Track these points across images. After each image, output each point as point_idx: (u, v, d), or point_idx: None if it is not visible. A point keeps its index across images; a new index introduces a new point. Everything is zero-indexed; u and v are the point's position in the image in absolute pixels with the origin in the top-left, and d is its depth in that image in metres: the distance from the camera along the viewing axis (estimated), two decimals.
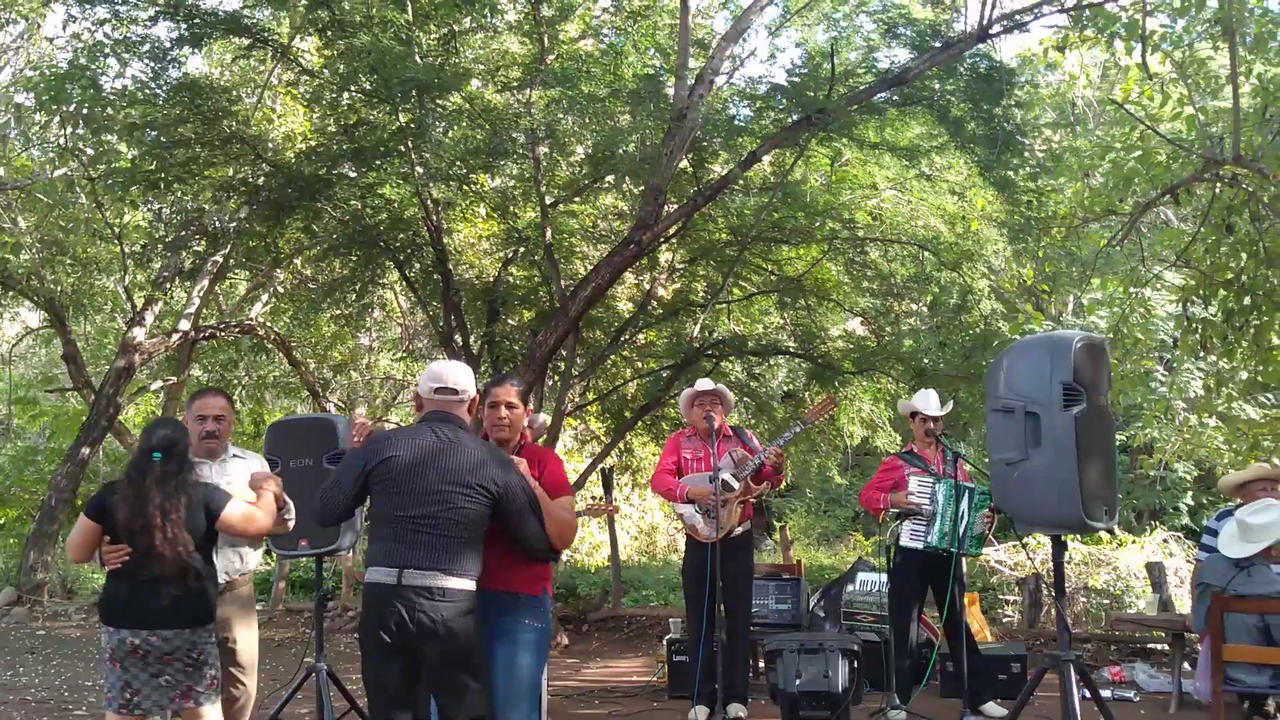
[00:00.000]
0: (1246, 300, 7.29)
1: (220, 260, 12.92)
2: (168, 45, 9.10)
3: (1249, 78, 7.29)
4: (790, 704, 5.84)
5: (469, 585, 3.77)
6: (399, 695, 3.79)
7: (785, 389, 13.61)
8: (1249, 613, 5.42)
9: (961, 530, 6.21)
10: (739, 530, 6.47)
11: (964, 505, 6.20)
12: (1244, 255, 7.37)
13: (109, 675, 4.17)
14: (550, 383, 11.31)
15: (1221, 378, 8.25)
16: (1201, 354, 8.25)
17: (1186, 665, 6.79)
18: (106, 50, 9.55)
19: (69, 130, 11.70)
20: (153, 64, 9.28)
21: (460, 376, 4.07)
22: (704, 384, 6.72)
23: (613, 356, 11.33)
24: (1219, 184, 6.99)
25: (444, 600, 3.69)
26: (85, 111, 9.85)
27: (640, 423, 11.97)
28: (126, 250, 13.36)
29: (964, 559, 6.56)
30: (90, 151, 11.88)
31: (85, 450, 13.66)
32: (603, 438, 12.59)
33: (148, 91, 9.29)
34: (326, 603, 6.74)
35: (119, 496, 4.11)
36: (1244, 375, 8.11)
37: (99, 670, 9.31)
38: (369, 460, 3.89)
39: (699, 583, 6.40)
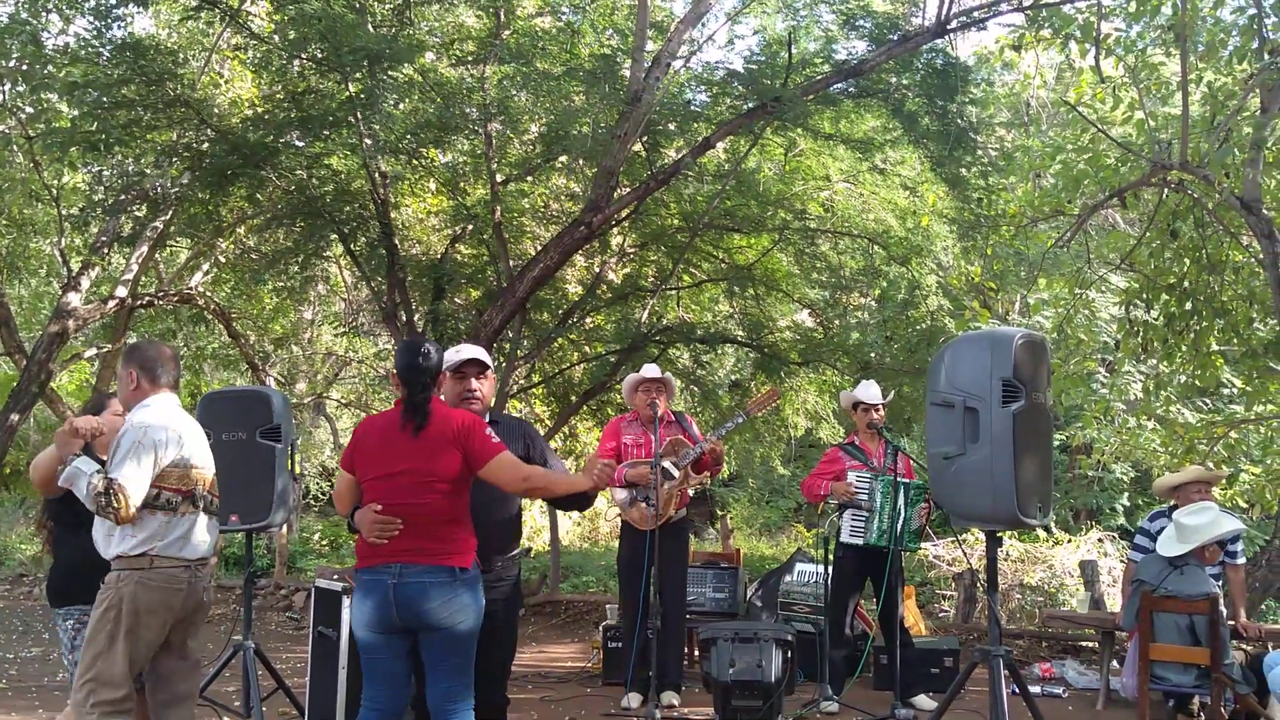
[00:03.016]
0: (1188, 305, 7.40)
1: (160, 227, 12.60)
2: (113, 3, 8.85)
3: (1199, 85, 7.37)
4: (723, 693, 5.82)
5: None
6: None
7: (732, 378, 13.61)
8: (1177, 612, 5.50)
9: (899, 526, 6.26)
10: (675, 516, 6.44)
11: (900, 501, 6.25)
12: (1187, 261, 7.48)
13: None
14: (495, 363, 11.17)
15: (1161, 381, 8.36)
16: (1142, 356, 8.35)
17: (1115, 663, 6.88)
18: (49, 5, 9.28)
19: (7, 87, 11.34)
20: (97, 21, 9.01)
21: None
22: (650, 370, 6.66)
23: (560, 339, 11.24)
24: (1166, 189, 7.07)
25: None
26: (24, 68, 9.56)
27: (585, 407, 11.91)
28: (64, 213, 12.99)
29: (902, 554, 6.59)
30: (29, 110, 11.52)
31: (14, 417, 13.27)
32: (547, 421, 12.50)
33: (90, 50, 9.00)
34: (257, 580, 6.61)
35: None
36: (1182, 379, 8.23)
37: (20, 643, 9.09)
38: None
39: (634, 569, 6.36)
